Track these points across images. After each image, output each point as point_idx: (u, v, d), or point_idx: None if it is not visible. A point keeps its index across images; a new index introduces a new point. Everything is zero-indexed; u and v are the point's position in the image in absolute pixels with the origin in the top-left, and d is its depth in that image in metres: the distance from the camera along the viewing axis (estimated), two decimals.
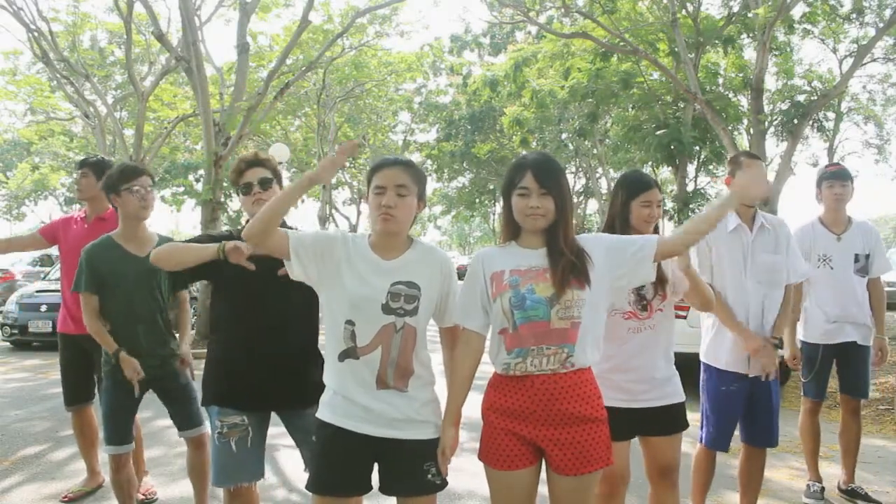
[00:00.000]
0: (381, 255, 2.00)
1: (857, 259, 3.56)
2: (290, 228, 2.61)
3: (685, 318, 5.15)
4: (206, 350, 2.54)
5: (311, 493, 2.01)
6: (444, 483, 2.01)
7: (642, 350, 2.48)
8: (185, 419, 3.08)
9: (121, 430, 2.99)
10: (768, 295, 2.91)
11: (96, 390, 3.41)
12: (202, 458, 3.11)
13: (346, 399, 1.96)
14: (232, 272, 2.31)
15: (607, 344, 2.42)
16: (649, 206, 2.52)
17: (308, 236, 1.99)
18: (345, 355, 1.96)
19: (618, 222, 2.56)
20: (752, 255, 2.90)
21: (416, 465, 1.98)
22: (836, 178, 3.58)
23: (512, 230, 2.04)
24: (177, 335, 3.18)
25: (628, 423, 2.44)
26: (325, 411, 2.01)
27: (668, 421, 2.50)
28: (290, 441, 2.57)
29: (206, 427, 3.07)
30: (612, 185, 26.74)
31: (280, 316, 2.38)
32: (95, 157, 3.76)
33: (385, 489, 2.02)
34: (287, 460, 4.21)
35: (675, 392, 2.52)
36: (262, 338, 2.35)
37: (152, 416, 4.94)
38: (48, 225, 3.77)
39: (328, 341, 2.02)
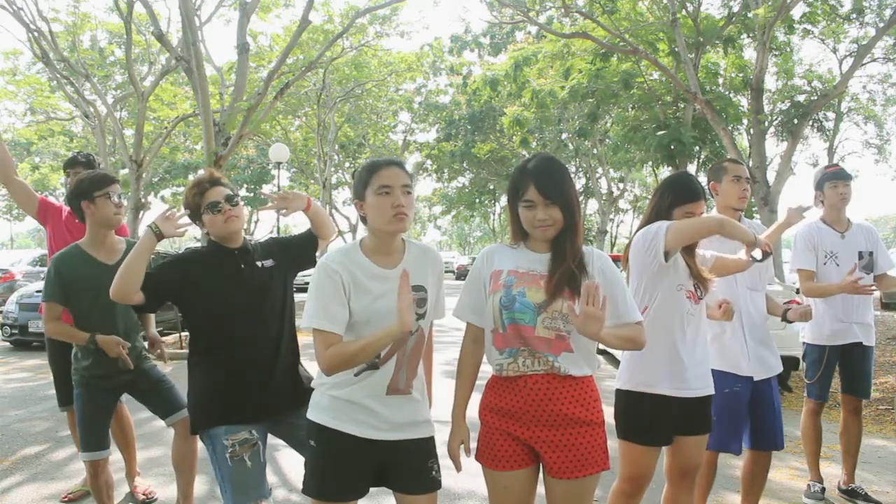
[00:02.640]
0: (382, 264, 1.96)
1: (860, 256, 3.59)
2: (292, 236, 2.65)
3: None
4: (188, 365, 2.46)
5: (309, 498, 1.99)
6: (440, 481, 2.05)
7: (695, 336, 2.47)
8: (168, 407, 3.11)
9: (96, 436, 3.02)
10: (755, 298, 2.95)
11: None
12: (191, 446, 3.11)
13: (351, 404, 1.93)
14: (210, 288, 2.33)
15: (666, 326, 2.39)
16: (693, 216, 2.44)
17: (338, 313, 1.88)
18: (363, 369, 1.93)
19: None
20: None
21: (423, 463, 2.00)
22: (839, 178, 3.61)
23: (521, 233, 2.02)
24: (143, 331, 3.24)
25: (671, 418, 2.41)
26: (324, 416, 1.96)
27: (701, 418, 2.49)
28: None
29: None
30: (610, 184, 26.56)
31: (271, 324, 2.40)
32: (85, 156, 3.70)
33: (393, 487, 2.02)
34: (286, 460, 4.21)
35: (711, 383, 2.51)
36: (259, 349, 2.35)
37: (151, 417, 4.93)
38: (49, 203, 3.65)
39: None
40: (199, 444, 3.19)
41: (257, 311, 2.38)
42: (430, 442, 2.02)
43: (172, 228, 2.36)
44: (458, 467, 2.03)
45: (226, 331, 2.34)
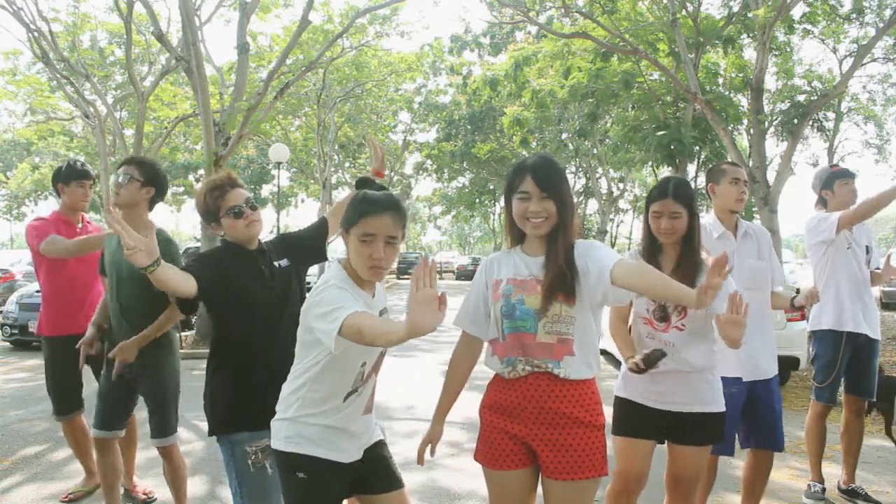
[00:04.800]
0: (369, 291, 1.96)
1: (867, 251, 3.67)
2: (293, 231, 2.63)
3: None
4: (209, 367, 2.41)
5: None
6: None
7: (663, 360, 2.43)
8: (159, 426, 3.05)
9: (108, 416, 3.07)
10: (753, 300, 2.91)
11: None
12: (175, 469, 3.13)
13: (338, 431, 1.93)
14: (237, 290, 2.29)
15: (639, 344, 2.50)
16: (658, 216, 2.45)
17: (353, 300, 1.82)
18: (350, 394, 1.94)
19: (645, 232, 2.57)
20: (737, 261, 2.90)
21: (385, 463, 2.07)
22: (850, 176, 3.68)
23: (516, 235, 2.01)
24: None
25: (654, 423, 2.46)
26: (312, 446, 1.91)
27: (695, 431, 2.45)
28: None
29: (177, 437, 3.12)
30: (610, 184, 26.64)
31: (293, 325, 2.38)
32: (81, 165, 3.64)
33: (365, 491, 2.05)
34: None
35: (709, 400, 2.44)
36: (283, 352, 2.29)
37: None
38: (45, 226, 3.53)
39: (328, 386, 1.93)
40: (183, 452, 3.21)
41: (281, 313, 2.36)
42: (384, 442, 2.11)
43: (150, 246, 2.04)
44: (419, 461, 2.07)
45: (251, 333, 2.30)
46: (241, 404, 2.30)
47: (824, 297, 3.60)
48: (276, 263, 2.41)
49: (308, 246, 2.60)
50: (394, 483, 2.06)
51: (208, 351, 2.45)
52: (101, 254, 3.17)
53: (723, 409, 2.46)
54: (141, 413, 3.84)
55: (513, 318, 1.90)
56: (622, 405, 2.55)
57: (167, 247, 3.07)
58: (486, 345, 2.03)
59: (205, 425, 2.42)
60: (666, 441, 2.54)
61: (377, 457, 2.06)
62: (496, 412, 1.97)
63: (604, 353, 8.18)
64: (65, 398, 3.58)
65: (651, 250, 2.54)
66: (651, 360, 2.30)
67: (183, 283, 2.15)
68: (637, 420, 2.48)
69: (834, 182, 3.67)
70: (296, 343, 2.34)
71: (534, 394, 1.90)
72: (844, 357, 3.62)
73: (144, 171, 3.00)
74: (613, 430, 2.53)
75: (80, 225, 3.62)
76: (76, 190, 3.55)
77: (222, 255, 2.39)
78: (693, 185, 15.05)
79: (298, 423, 1.93)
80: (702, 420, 2.43)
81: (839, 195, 3.65)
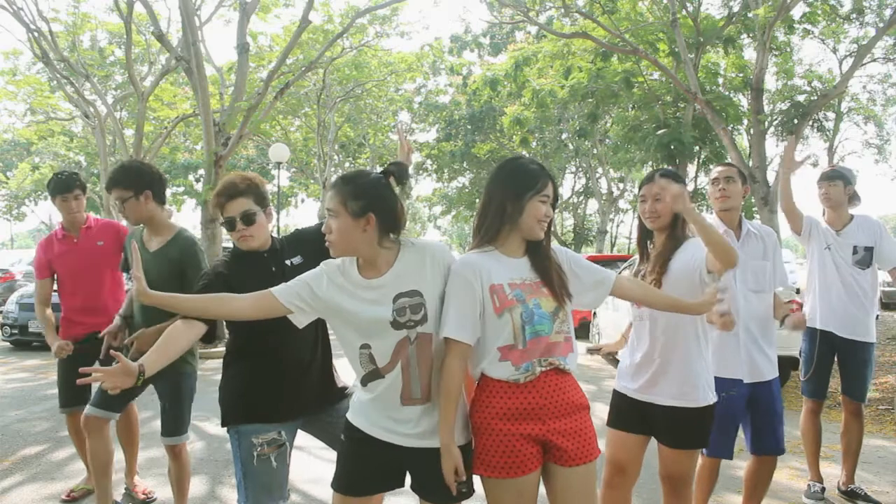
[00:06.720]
0: (371, 275, 1.92)
1: (855, 251, 3.60)
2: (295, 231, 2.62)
3: None
4: (224, 360, 2.44)
5: (333, 491, 2.01)
6: (472, 490, 1.93)
7: (639, 339, 2.53)
8: (168, 426, 3.08)
9: (109, 396, 3.01)
10: (761, 298, 2.93)
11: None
12: (184, 467, 3.17)
13: (376, 410, 1.95)
14: (246, 292, 2.25)
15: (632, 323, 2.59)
16: (644, 201, 2.53)
17: (296, 286, 1.94)
18: (368, 378, 1.93)
19: (638, 221, 2.66)
20: (740, 261, 2.88)
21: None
22: (821, 179, 3.70)
23: (499, 234, 1.97)
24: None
25: (638, 415, 2.48)
26: (354, 415, 2.00)
27: (666, 428, 2.45)
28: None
29: (187, 437, 3.17)
30: (610, 184, 26.63)
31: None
32: (72, 174, 3.65)
33: (420, 494, 2.00)
34: (297, 464, 4.20)
35: (687, 395, 2.40)
36: (296, 350, 2.33)
37: (152, 416, 4.94)
38: (39, 261, 3.61)
39: (351, 365, 2.00)
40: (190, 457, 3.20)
41: None
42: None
43: (127, 370, 1.93)
44: (453, 490, 1.89)
45: (263, 334, 2.27)
46: (252, 398, 2.31)
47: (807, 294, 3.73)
48: (287, 262, 2.38)
49: (320, 241, 2.57)
50: (434, 495, 1.93)
51: (209, 349, 2.45)
52: (124, 253, 3.34)
53: (703, 404, 2.41)
54: (142, 413, 3.85)
55: (533, 322, 1.89)
56: (614, 397, 2.64)
57: (185, 249, 3.07)
58: (496, 353, 1.92)
59: (205, 425, 2.43)
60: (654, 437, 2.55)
61: (436, 465, 1.87)
62: (509, 419, 1.90)
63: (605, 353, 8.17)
64: (70, 392, 3.59)
65: (643, 240, 2.64)
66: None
67: (191, 337, 2.15)
68: (624, 411, 2.54)
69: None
70: (310, 342, 2.37)
71: (549, 390, 1.91)
72: (823, 353, 3.62)
73: (130, 181, 3.03)
74: (607, 421, 2.61)
75: (76, 238, 3.56)
76: (61, 204, 3.55)
77: (224, 266, 2.36)
78: (693, 186, 15.11)
79: (355, 394, 2.05)
80: (679, 415, 2.40)
81: (818, 198, 3.72)
